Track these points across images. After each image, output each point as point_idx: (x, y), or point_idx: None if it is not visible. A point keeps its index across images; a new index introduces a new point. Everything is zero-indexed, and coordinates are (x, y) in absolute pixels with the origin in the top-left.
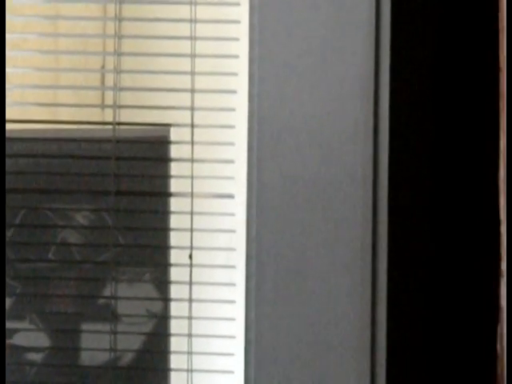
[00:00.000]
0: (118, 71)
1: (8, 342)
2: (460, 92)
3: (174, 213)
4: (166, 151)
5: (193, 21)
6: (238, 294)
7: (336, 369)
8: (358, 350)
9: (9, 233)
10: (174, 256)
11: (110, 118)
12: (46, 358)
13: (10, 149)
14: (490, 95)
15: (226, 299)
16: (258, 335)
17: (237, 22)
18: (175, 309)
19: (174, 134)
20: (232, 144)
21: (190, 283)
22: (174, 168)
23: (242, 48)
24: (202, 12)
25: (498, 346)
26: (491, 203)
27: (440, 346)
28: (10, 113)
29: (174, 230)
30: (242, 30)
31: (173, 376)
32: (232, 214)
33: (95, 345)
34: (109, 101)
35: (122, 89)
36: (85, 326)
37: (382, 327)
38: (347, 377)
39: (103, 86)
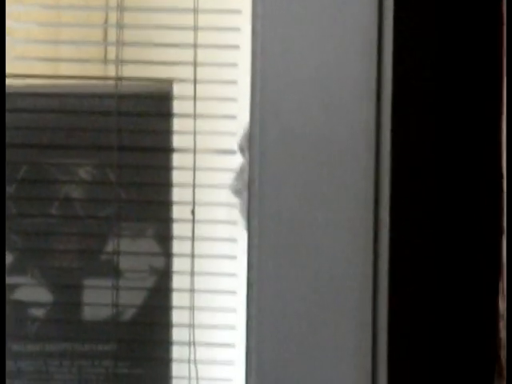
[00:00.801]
0: (120, 26)
1: (10, 297)
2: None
3: (176, 168)
4: (169, 106)
5: None
6: (240, 249)
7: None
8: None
9: (11, 188)
10: (177, 211)
11: (112, 74)
12: (48, 313)
13: (12, 104)
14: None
15: (227, 255)
16: (260, 280)
17: None
18: (177, 264)
19: (177, 90)
20: (234, 100)
21: (193, 238)
22: (177, 123)
23: (245, 3)
24: None
25: (500, 304)
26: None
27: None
28: (12, 68)
29: (176, 185)
30: None
31: (175, 331)
32: (234, 170)
33: (97, 300)
34: (111, 56)
35: (124, 44)
36: (87, 281)
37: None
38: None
39: (106, 40)
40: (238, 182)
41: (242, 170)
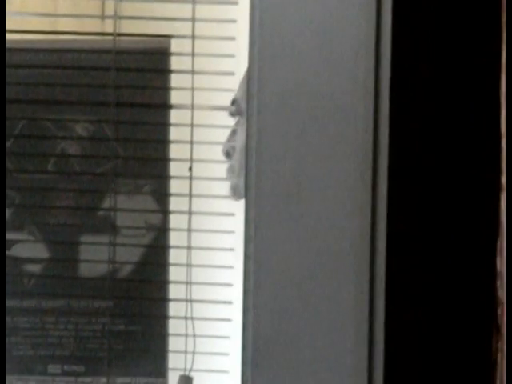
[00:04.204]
0: None
1: (6, 253)
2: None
3: (174, 125)
4: (167, 62)
5: None
6: (237, 206)
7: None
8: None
9: (8, 143)
10: (174, 168)
11: (110, 29)
12: (44, 270)
13: (9, 59)
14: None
15: (224, 212)
16: (257, 234)
17: None
18: (174, 221)
19: (175, 46)
20: (232, 56)
21: (190, 195)
22: (175, 80)
23: None
24: None
25: (498, 261)
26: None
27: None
28: (9, 23)
29: (173, 142)
30: None
31: (171, 288)
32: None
33: (94, 256)
34: (109, 11)
35: None
36: (84, 238)
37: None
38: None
39: None
40: (227, 145)
41: (233, 133)
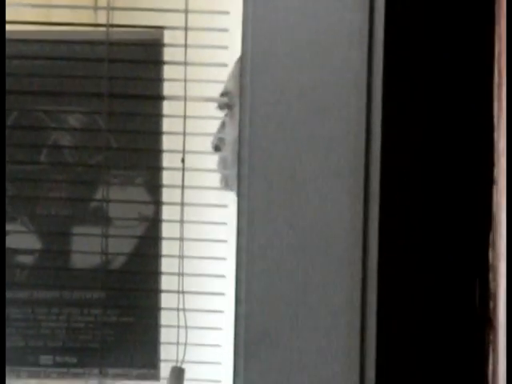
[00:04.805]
0: None
1: None
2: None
3: (166, 116)
4: (160, 54)
5: None
6: (229, 198)
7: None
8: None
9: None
10: (167, 159)
11: (103, 20)
12: (37, 261)
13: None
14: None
15: (217, 203)
16: (250, 225)
17: None
18: (167, 212)
19: (168, 37)
20: (225, 47)
21: (182, 187)
22: (168, 71)
23: None
24: None
25: (490, 254)
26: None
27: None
28: None
29: (166, 133)
30: None
31: (164, 280)
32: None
33: (86, 248)
34: (102, 2)
35: None
36: (76, 229)
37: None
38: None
39: None
40: (216, 138)
41: (222, 126)
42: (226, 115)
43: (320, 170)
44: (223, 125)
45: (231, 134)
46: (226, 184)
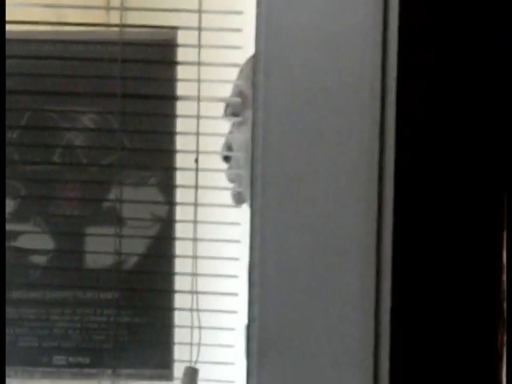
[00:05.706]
0: None
1: (12, 244)
2: None
3: (180, 116)
4: (173, 54)
5: None
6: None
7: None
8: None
9: (14, 134)
10: (180, 160)
11: (116, 21)
12: (50, 261)
13: (16, 50)
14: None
15: (231, 204)
16: (263, 225)
17: None
18: (180, 213)
19: (181, 37)
20: (239, 48)
21: (196, 187)
22: (181, 71)
23: None
24: None
25: (504, 255)
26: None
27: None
28: (15, 14)
29: (179, 133)
30: None
31: (177, 280)
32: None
33: (100, 248)
34: (115, 3)
35: None
36: (89, 229)
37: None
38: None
39: None
40: (224, 149)
41: (229, 135)
42: (232, 124)
43: (333, 173)
44: (231, 133)
45: (242, 136)
46: (237, 200)
